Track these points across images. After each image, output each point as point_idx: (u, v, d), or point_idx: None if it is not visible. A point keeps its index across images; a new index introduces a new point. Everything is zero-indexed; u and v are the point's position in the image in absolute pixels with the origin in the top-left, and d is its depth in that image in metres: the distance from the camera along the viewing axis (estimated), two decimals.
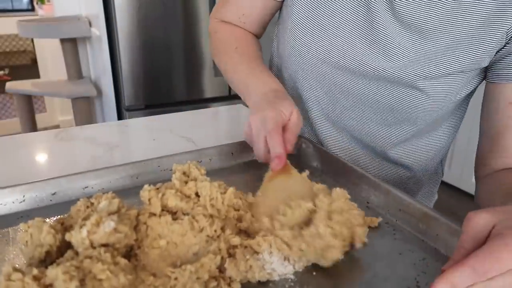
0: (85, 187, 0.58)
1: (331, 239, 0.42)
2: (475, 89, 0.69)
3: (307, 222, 0.45)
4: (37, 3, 3.43)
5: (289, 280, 0.43)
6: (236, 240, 0.44)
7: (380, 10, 0.61)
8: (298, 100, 0.77)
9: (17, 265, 0.43)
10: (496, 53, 0.60)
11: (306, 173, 0.52)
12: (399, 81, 0.64)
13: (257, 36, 0.81)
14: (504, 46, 0.59)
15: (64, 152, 0.77)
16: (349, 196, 0.47)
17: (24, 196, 0.55)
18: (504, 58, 0.60)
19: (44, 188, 0.56)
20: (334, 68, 0.68)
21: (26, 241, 0.42)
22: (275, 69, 0.83)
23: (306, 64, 0.70)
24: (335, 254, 0.42)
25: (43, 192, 0.56)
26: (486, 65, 0.62)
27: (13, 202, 0.55)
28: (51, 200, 0.56)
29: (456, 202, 2.48)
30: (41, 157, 0.77)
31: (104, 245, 0.39)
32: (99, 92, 2.52)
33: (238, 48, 0.73)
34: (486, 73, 0.64)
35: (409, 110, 0.66)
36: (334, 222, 0.43)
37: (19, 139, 0.82)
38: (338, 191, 0.47)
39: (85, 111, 2.51)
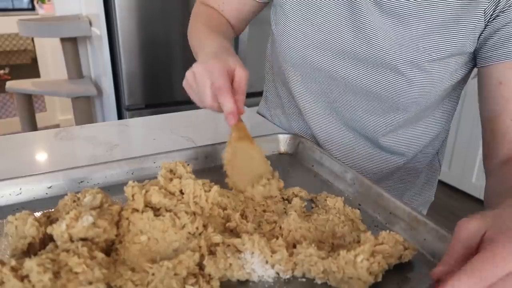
0: (81, 182, 0.59)
1: (365, 273, 0.41)
2: (465, 78, 0.70)
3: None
4: (37, 2, 3.43)
5: (267, 284, 0.42)
6: (217, 238, 0.44)
7: (362, 2, 0.64)
8: (289, 93, 0.81)
9: (6, 256, 0.45)
10: (479, 38, 0.61)
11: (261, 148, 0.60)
12: (382, 65, 0.66)
13: (234, 28, 0.83)
14: (485, 28, 0.60)
15: (64, 152, 0.77)
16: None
17: (20, 188, 0.56)
18: (488, 41, 0.61)
19: (41, 181, 0.57)
20: (323, 56, 0.70)
21: (12, 233, 0.44)
22: (269, 66, 0.89)
23: (297, 56, 0.73)
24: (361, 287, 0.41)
25: (40, 185, 0.57)
26: (470, 50, 0.63)
27: (10, 194, 0.56)
28: (47, 194, 0.57)
29: (456, 202, 2.48)
30: (41, 156, 0.77)
31: (83, 239, 0.40)
32: (99, 91, 2.52)
33: (209, 22, 0.77)
34: (475, 61, 0.65)
35: (396, 98, 0.68)
36: (375, 261, 0.42)
37: (19, 138, 0.82)
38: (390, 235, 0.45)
39: (85, 110, 2.51)
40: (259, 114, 0.97)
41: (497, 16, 0.59)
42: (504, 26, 0.58)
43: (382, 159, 0.78)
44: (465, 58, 0.65)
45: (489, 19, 0.59)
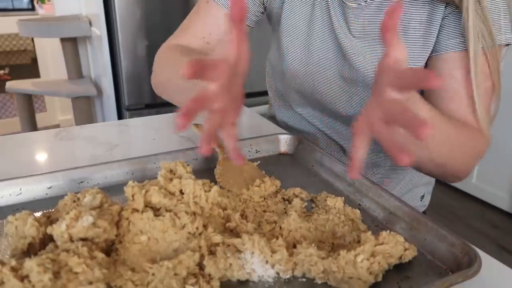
0: (81, 182, 0.59)
1: (365, 273, 0.41)
2: None
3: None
4: (37, 3, 3.43)
5: (267, 284, 0.42)
6: (217, 238, 0.44)
7: (341, 32, 0.71)
8: (286, 102, 0.87)
9: (6, 256, 0.44)
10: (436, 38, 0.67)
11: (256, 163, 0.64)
12: (368, 84, 0.72)
13: None
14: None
15: (64, 152, 0.77)
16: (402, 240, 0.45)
17: (20, 189, 0.56)
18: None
19: (41, 182, 0.57)
20: (316, 80, 0.76)
21: (12, 233, 0.44)
22: (269, 69, 0.93)
23: (299, 86, 0.79)
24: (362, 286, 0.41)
25: (40, 186, 0.57)
26: None
27: (10, 195, 0.56)
28: (47, 194, 0.57)
29: (456, 202, 2.48)
30: (41, 157, 0.77)
31: (83, 239, 0.40)
32: (99, 91, 2.52)
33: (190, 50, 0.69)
34: None
35: None
36: (375, 261, 0.42)
37: (19, 139, 0.82)
38: (390, 235, 0.45)
39: (85, 110, 2.51)
40: (271, 115, 0.97)
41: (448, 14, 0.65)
42: (448, 22, 0.65)
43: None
44: None
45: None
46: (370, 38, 0.70)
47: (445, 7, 0.65)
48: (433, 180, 0.93)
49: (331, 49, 0.74)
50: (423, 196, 0.90)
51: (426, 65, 0.70)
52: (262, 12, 0.81)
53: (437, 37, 0.66)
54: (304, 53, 0.76)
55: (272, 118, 0.96)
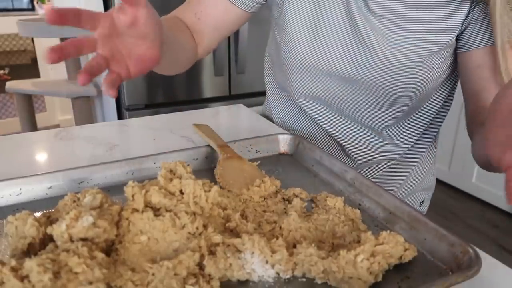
0: (81, 182, 0.59)
1: (365, 273, 0.41)
2: (454, 63, 0.73)
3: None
4: (37, 3, 3.43)
5: (267, 284, 0.42)
6: (217, 238, 0.44)
7: (357, 10, 0.68)
8: (285, 98, 0.86)
9: (6, 256, 0.44)
10: (461, 26, 0.66)
11: (256, 162, 0.64)
12: (382, 65, 0.70)
13: (202, 41, 0.76)
14: (466, 17, 0.65)
15: (64, 152, 0.77)
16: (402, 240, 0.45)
17: (20, 189, 0.56)
18: (467, 28, 0.66)
19: (41, 182, 0.57)
20: (328, 63, 0.73)
21: (12, 233, 0.44)
22: (269, 66, 0.91)
23: (303, 67, 0.76)
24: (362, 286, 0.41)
25: (40, 186, 0.57)
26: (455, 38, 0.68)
27: (10, 195, 0.56)
28: (47, 194, 0.57)
29: (456, 202, 2.48)
30: (41, 157, 0.77)
31: (83, 239, 0.40)
32: (99, 91, 2.52)
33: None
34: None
35: (398, 93, 0.72)
36: (375, 261, 0.42)
37: (19, 139, 0.82)
38: (391, 235, 0.45)
39: (85, 110, 2.50)
40: (265, 115, 0.97)
41: (476, 5, 0.64)
42: (481, 15, 0.64)
43: (385, 147, 0.81)
44: (453, 46, 0.69)
45: (471, 9, 0.65)
46: (393, 17, 0.66)
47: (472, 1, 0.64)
48: (433, 185, 0.92)
49: (344, 31, 0.70)
50: (422, 201, 0.90)
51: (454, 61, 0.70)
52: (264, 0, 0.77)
53: (465, 31, 0.66)
54: (311, 36, 0.72)
55: (267, 118, 0.96)
